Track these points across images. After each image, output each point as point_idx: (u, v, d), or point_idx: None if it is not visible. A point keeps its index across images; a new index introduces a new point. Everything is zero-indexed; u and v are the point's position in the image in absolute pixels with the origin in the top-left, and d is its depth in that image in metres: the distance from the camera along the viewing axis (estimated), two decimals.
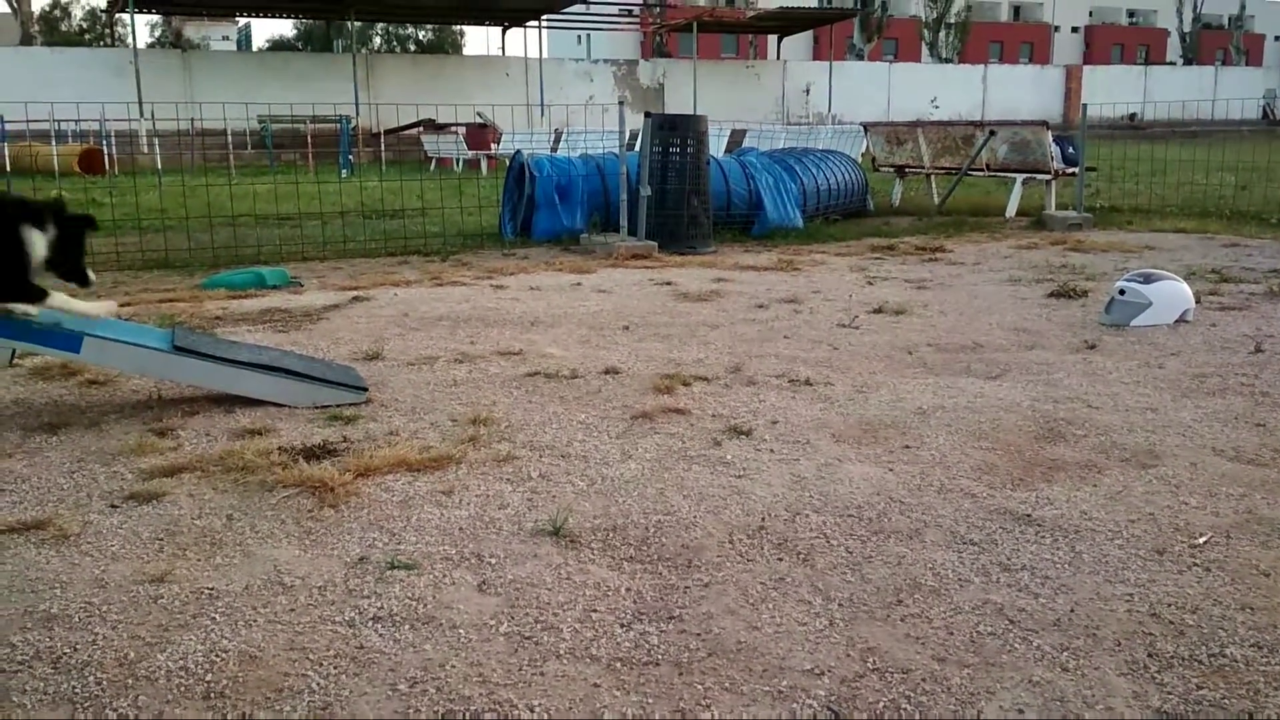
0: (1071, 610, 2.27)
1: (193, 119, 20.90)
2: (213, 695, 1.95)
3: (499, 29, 36.54)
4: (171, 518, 2.80)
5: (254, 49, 53.93)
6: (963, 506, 2.88)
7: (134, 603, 2.31)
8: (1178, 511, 2.83)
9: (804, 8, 34.61)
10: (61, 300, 3.67)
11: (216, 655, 2.08)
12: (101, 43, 48.39)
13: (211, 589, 2.38)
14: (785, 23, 36.87)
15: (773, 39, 41.42)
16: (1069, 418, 3.69)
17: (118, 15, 33.45)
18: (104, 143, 20.18)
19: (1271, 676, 2.00)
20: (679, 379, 4.24)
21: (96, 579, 2.44)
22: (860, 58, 41.82)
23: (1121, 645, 2.12)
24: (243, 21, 55.51)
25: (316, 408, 3.81)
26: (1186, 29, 59.77)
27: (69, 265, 3.70)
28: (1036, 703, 1.92)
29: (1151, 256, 7.85)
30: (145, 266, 7.69)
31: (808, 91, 37.78)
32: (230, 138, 21.41)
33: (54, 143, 19.52)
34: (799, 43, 46.67)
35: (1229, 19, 65.62)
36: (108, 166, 18.91)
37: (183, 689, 1.97)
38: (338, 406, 3.83)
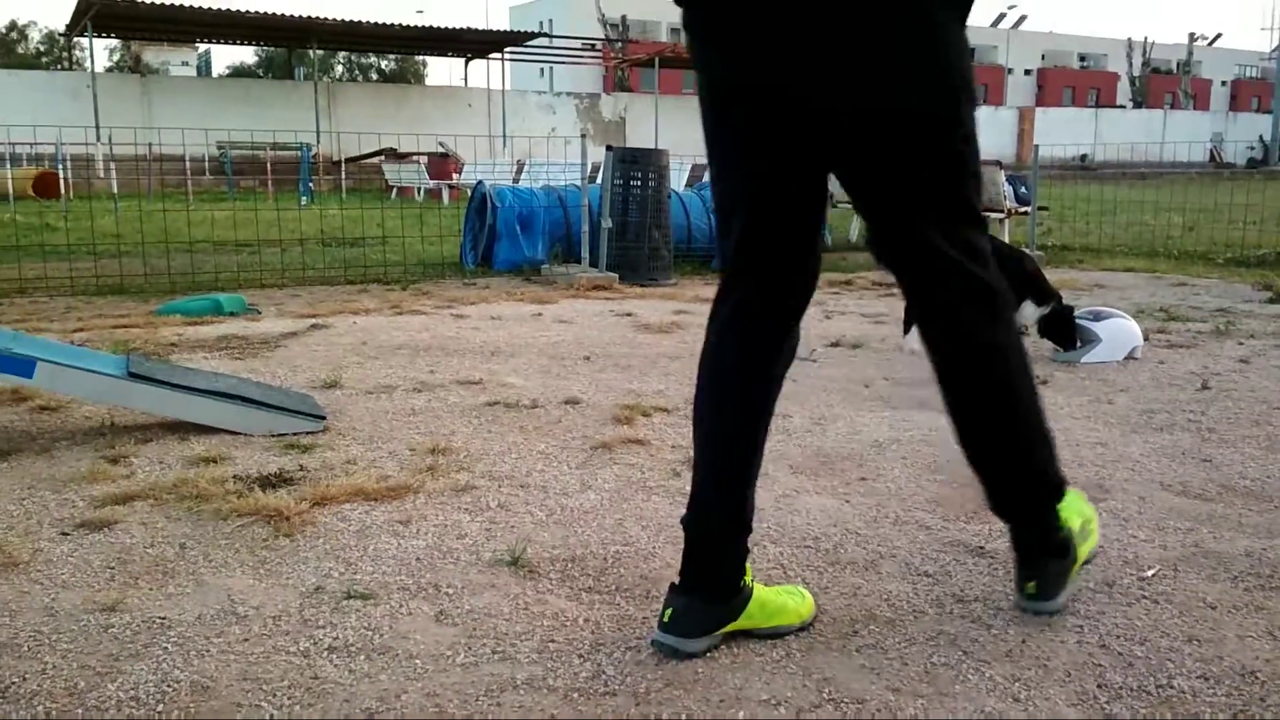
0: (1023, 641, 2.31)
1: (150, 144, 20.72)
2: None
3: (462, 60, 36.63)
4: (123, 546, 2.77)
5: (214, 75, 53.63)
6: (918, 538, 2.92)
7: (84, 631, 2.28)
8: (1126, 544, 2.88)
9: None
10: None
11: (168, 685, 2.06)
12: (59, 66, 47.88)
13: (164, 618, 2.35)
14: None
15: None
16: None
17: (76, 39, 33.12)
18: (59, 166, 19.94)
19: (1217, 708, 2.04)
20: (639, 409, 4.25)
21: (46, 607, 2.40)
22: None
23: (1072, 676, 2.16)
24: (203, 48, 55.17)
25: (273, 436, 3.79)
26: (1136, 73, 61.37)
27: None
28: None
29: (1101, 294, 8.01)
30: (99, 292, 7.60)
31: None
32: (189, 163, 21.30)
33: (9, 166, 19.25)
34: None
35: (1177, 64, 67.42)
36: (63, 190, 18.67)
37: None
38: (294, 435, 3.80)
